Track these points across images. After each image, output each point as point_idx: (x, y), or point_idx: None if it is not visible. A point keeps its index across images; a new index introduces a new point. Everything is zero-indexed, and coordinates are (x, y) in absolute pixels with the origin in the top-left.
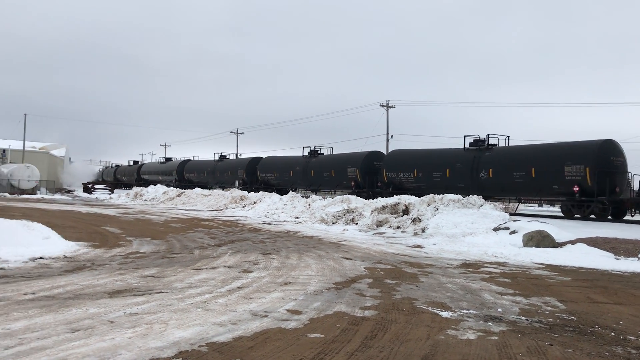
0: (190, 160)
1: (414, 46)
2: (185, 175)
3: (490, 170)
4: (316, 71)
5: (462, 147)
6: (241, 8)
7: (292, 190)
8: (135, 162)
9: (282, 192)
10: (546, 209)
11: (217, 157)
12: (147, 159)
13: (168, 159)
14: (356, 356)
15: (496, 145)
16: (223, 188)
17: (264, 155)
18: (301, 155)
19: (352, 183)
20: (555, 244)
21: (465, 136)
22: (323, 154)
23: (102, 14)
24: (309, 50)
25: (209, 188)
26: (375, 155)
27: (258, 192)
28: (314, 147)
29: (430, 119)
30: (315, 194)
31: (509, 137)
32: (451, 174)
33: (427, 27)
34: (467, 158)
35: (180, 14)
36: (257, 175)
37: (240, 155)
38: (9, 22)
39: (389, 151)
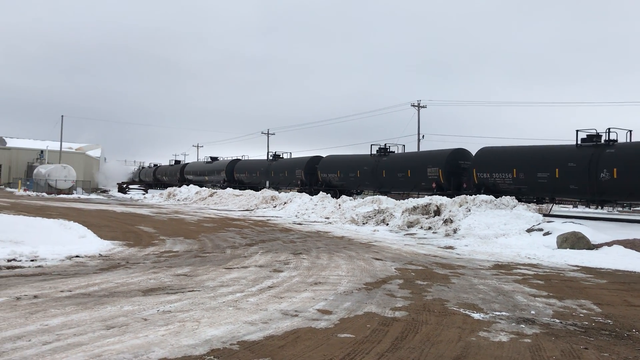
0: (240, 159)
1: (446, 45)
2: (236, 175)
3: (615, 170)
4: (346, 71)
5: (575, 143)
6: (271, 8)
7: (357, 193)
8: (177, 162)
9: (346, 194)
10: (581, 209)
11: (270, 157)
12: (182, 160)
13: (214, 159)
14: (386, 357)
15: (616, 141)
16: (278, 189)
17: (285, 156)
18: (369, 153)
19: (433, 184)
20: (591, 246)
21: (577, 131)
22: (394, 152)
23: (134, 17)
24: (338, 50)
25: (261, 189)
26: (460, 153)
27: (291, 192)
28: (384, 145)
29: (463, 119)
30: (386, 195)
31: (631, 131)
32: (561, 174)
33: (460, 26)
34: (581, 156)
35: (210, 16)
36: (318, 176)
37: (271, 155)
38: (46, 27)
39: (479, 149)
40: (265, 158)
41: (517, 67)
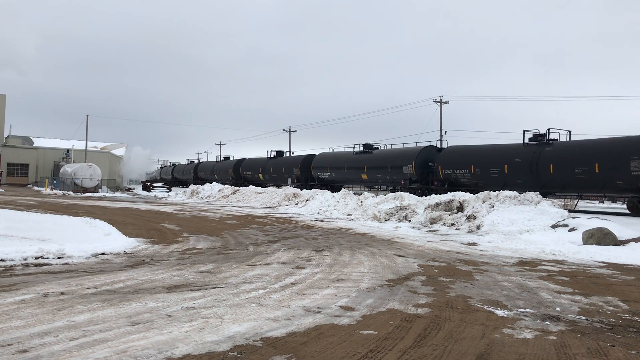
0: (246, 158)
1: (471, 39)
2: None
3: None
4: (369, 67)
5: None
6: (294, 6)
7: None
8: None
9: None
10: (607, 205)
11: (270, 155)
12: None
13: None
14: (409, 353)
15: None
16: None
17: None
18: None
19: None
20: (618, 242)
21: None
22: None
23: (159, 15)
24: (360, 46)
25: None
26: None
27: (311, 189)
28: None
29: (487, 113)
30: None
31: (570, 131)
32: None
33: (485, 19)
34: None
35: (234, 14)
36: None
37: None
38: (71, 26)
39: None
40: (267, 156)
41: (545, 60)
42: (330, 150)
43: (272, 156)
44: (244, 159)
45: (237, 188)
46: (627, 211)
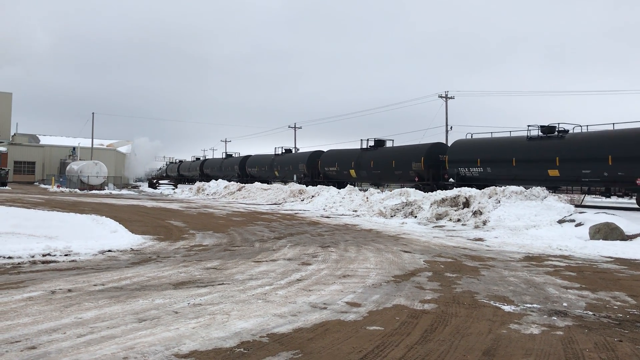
0: (252, 155)
1: (477, 32)
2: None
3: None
4: (374, 63)
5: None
6: (299, 2)
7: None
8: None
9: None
10: (614, 200)
11: (277, 152)
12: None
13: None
14: (416, 349)
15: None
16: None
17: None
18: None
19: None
20: (625, 237)
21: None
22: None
23: (163, 13)
24: (366, 42)
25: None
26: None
27: (318, 185)
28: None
29: (494, 109)
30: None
31: (393, 140)
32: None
33: (491, 11)
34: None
35: (239, 10)
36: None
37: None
38: (76, 24)
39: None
40: (273, 153)
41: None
42: (337, 148)
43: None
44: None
45: (243, 185)
46: (635, 206)
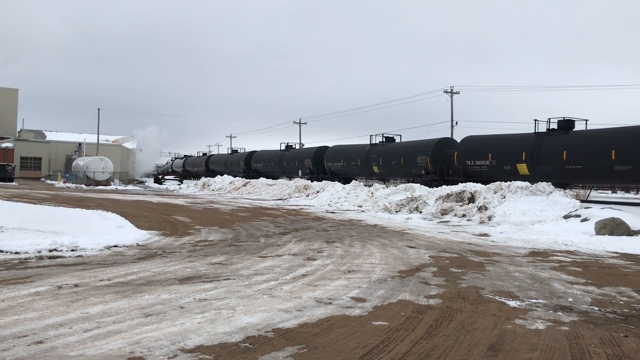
0: (257, 151)
1: (484, 27)
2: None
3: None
4: (380, 58)
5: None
6: None
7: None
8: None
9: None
10: (620, 195)
11: (283, 147)
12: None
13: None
14: (421, 344)
15: (394, 140)
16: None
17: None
18: (371, 143)
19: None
20: (631, 232)
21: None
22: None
23: (168, 9)
24: (372, 37)
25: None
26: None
27: (322, 181)
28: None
29: (499, 104)
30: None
31: (401, 136)
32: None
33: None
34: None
35: (245, 5)
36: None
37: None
38: (80, 20)
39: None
40: (279, 148)
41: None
42: (341, 144)
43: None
44: (255, 152)
45: (248, 180)
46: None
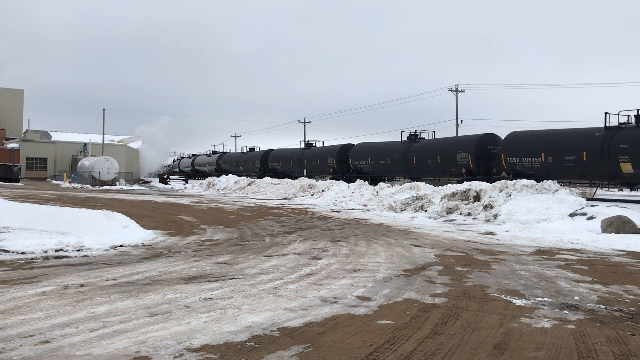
0: (274, 149)
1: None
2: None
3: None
4: (385, 56)
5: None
6: None
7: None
8: (214, 152)
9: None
10: (627, 193)
11: (303, 145)
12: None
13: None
14: (426, 343)
15: (424, 138)
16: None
17: (323, 144)
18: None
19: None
20: (637, 230)
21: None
22: (424, 138)
23: (173, 8)
24: (377, 35)
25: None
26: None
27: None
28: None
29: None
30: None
31: (434, 132)
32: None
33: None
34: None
35: (249, 4)
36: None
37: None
38: (84, 21)
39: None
40: (298, 147)
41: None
42: (370, 142)
43: (304, 146)
44: (271, 150)
45: (253, 180)
46: None
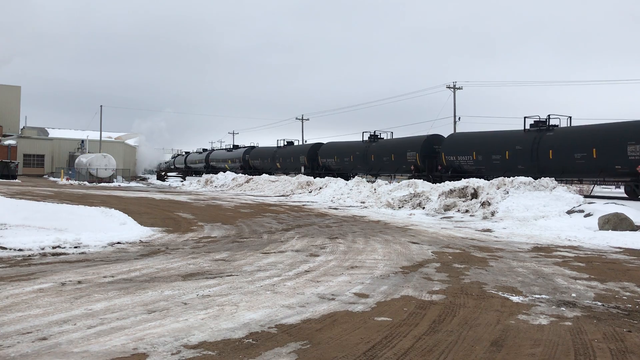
0: (255, 147)
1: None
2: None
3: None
4: (383, 54)
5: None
6: None
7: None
8: (205, 150)
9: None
10: (624, 190)
11: (280, 144)
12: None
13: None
14: (424, 340)
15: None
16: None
17: (325, 141)
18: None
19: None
20: (635, 227)
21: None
22: (383, 138)
23: (171, 4)
24: (375, 32)
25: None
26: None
27: (320, 177)
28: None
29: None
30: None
31: (570, 117)
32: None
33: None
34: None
35: (247, 1)
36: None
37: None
38: (84, 17)
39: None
40: (275, 145)
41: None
42: (337, 140)
43: (280, 145)
44: (253, 147)
45: (251, 177)
46: None
